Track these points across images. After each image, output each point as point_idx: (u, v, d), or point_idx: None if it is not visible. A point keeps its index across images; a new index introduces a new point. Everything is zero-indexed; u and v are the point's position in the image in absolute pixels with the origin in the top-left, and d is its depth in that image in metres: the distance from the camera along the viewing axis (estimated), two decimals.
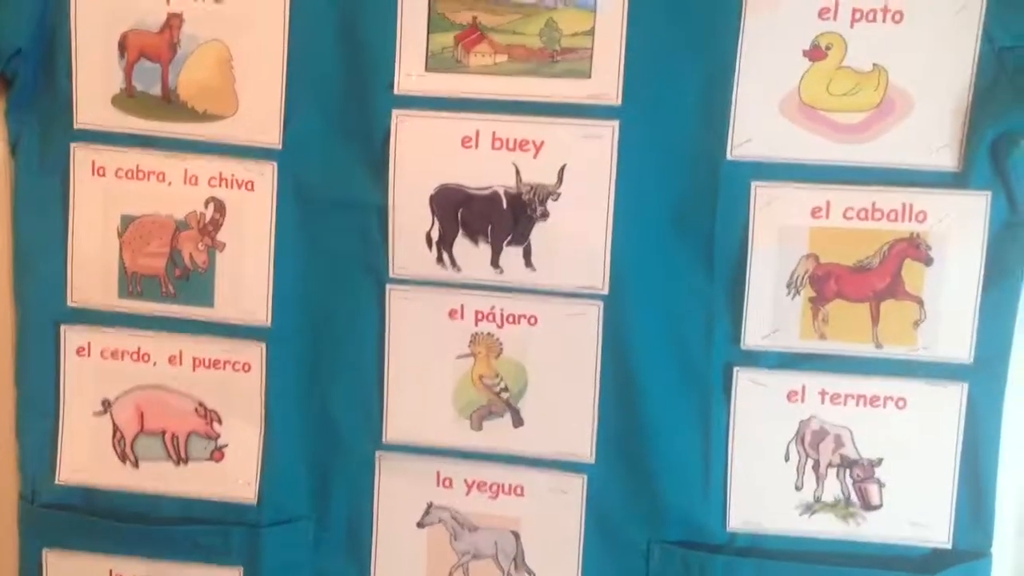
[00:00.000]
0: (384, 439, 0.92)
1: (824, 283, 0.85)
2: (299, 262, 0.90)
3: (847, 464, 0.87)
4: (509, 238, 0.87)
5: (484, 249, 0.88)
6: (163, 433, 0.94)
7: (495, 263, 0.87)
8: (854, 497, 0.87)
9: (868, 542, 0.88)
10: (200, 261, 0.91)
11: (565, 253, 0.86)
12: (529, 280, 0.87)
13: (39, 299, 0.93)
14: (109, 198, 0.91)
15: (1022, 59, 0.80)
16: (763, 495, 0.88)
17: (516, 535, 0.92)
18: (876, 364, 0.85)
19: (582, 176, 0.85)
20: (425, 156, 0.86)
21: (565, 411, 0.89)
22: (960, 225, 0.83)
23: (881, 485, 0.87)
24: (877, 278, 0.84)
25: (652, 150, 0.84)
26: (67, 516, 0.95)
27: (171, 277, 0.92)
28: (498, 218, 0.86)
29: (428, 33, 0.85)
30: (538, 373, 0.89)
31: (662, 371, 0.87)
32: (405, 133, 0.86)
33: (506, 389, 0.89)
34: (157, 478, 0.95)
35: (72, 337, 0.93)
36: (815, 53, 0.82)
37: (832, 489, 0.87)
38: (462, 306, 0.89)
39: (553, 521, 0.91)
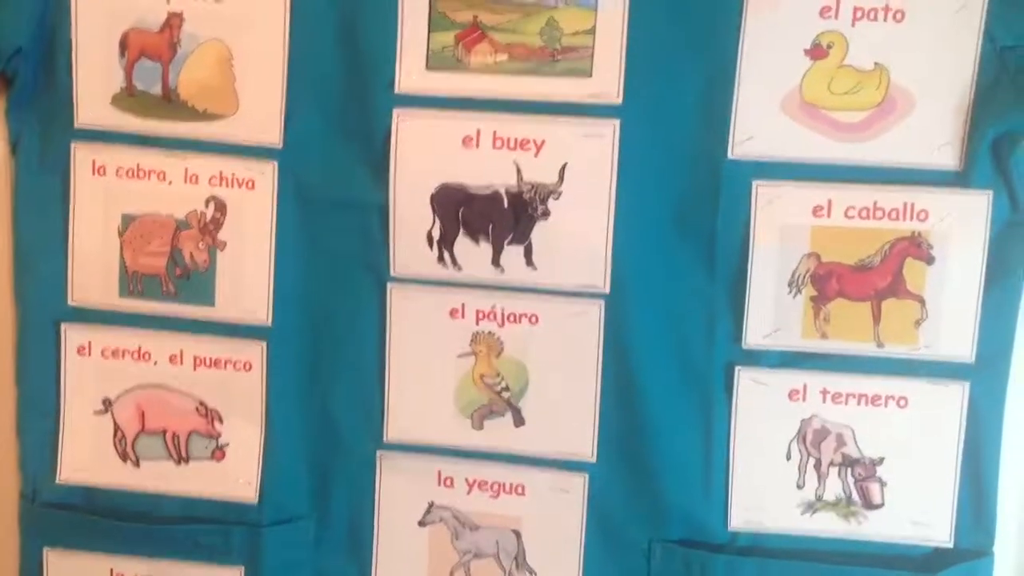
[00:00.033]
0: (385, 438, 0.92)
1: (825, 282, 0.85)
2: (300, 261, 0.90)
3: (849, 463, 0.87)
4: (510, 237, 0.87)
5: (485, 248, 0.87)
6: (164, 432, 0.94)
7: (496, 262, 0.87)
8: (856, 496, 0.87)
9: (870, 541, 0.88)
10: (201, 260, 0.91)
11: (566, 252, 0.86)
12: (530, 279, 0.87)
13: (40, 298, 0.93)
14: (110, 197, 0.91)
15: (1023, 59, 0.80)
16: (764, 494, 0.88)
17: (517, 534, 0.92)
18: (877, 363, 0.85)
19: (583, 175, 0.85)
20: (426, 155, 0.86)
21: (566, 410, 0.89)
22: (961, 224, 0.83)
23: (883, 484, 0.87)
24: (878, 277, 0.84)
25: (653, 149, 0.84)
26: (68, 515, 0.95)
27: (172, 276, 0.91)
28: (499, 217, 0.86)
29: (429, 32, 0.85)
30: (539, 372, 0.89)
31: (663, 370, 0.87)
32: (406, 132, 0.86)
33: (507, 388, 0.89)
34: (158, 477, 0.95)
35: (73, 336, 0.93)
36: (816, 52, 0.82)
37: (834, 488, 0.87)
38: (463, 305, 0.89)
39: (554, 520, 0.91)
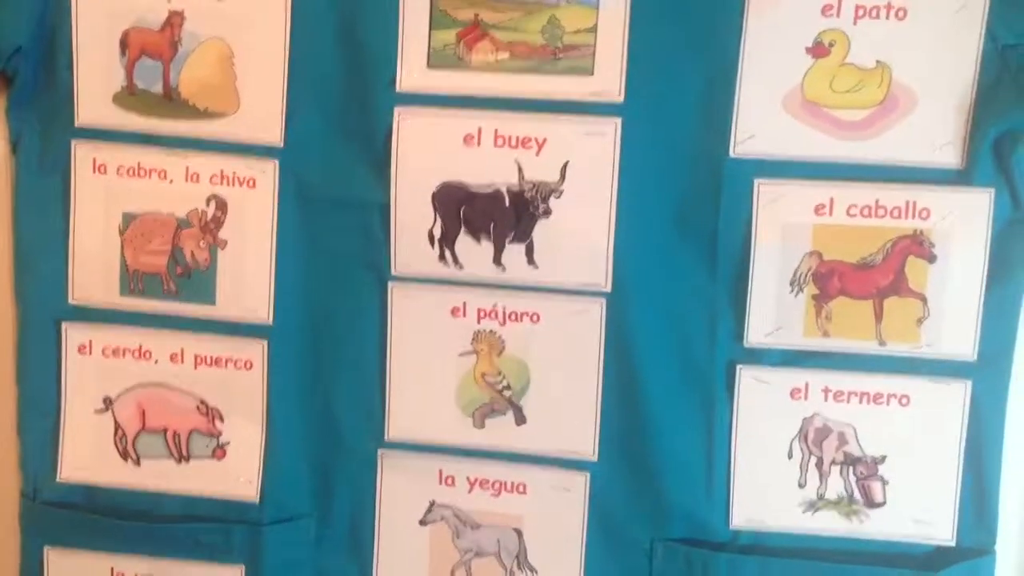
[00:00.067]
0: (386, 437, 0.91)
1: (827, 280, 0.85)
2: (301, 260, 0.90)
3: (850, 461, 0.87)
4: (511, 236, 0.87)
5: (486, 247, 0.87)
6: (165, 431, 0.94)
7: (497, 260, 0.87)
8: (857, 494, 0.87)
9: (871, 539, 0.88)
10: (201, 259, 0.91)
11: (568, 250, 0.86)
12: (532, 277, 0.87)
13: (40, 297, 0.93)
14: (110, 196, 0.91)
15: None
16: (766, 493, 0.88)
17: (519, 533, 0.92)
18: (879, 361, 0.85)
19: (585, 173, 0.85)
20: (427, 153, 0.86)
21: (568, 409, 0.89)
22: (963, 222, 0.83)
23: (884, 482, 0.87)
24: (880, 275, 0.84)
25: (655, 147, 0.84)
26: (68, 514, 0.95)
27: (172, 275, 0.91)
28: (500, 215, 0.86)
29: (430, 30, 0.85)
30: (541, 371, 0.89)
31: (665, 368, 0.87)
32: (407, 130, 0.86)
33: (508, 387, 0.89)
34: (159, 476, 0.94)
35: (73, 335, 0.93)
36: (818, 50, 0.82)
37: (835, 486, 0.87)
38: (464, 304, 0.89)
39: (556, 519, 0.91)
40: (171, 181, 0.90)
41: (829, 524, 0.88)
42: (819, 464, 0.87)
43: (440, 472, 0.92)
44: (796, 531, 0.88)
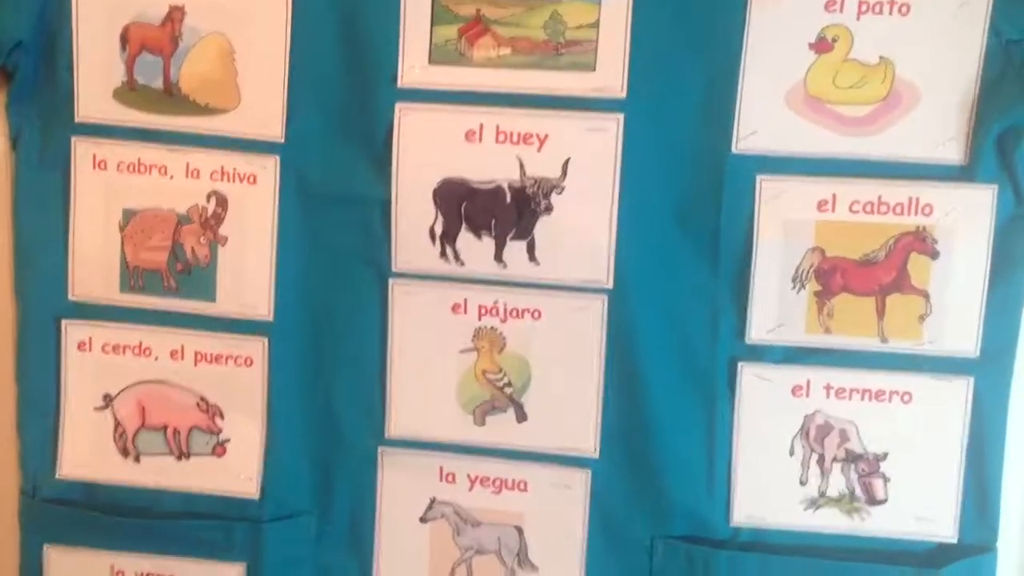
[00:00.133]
0: (387, 434, 0.91)
1: (830, 277, 0.84)
2: (301, 256, 0.90)
3: (852, 459, 0.87)
4: (513, 232, 0.87)
5: (488, 243, 0.87)
6: (165, 428, 0.94)
7: (499, 257, 0.87)
8: (859, 492, 0.87)
9: (873, 537, 0.87)
10: (202, 255, 0.91)
11: (569, 247, 0.86)
12: (533, 274, 0.87)
13: (40, 294, 0.93)
14: (110, 192, 0.90)
15: None
16: (767, 490, 0.88)
17: (519, 530, 0.92)
18: (882, 358, 0.85)
19: (586, 170, 0.84)
20: (428, 149, 0.86)
21: (569, 406, 0.89)
22: (966, 219, 0.83)
23: (886, 480, 0.86)
24: (883, 272, 0.84)
25: (657, 143, 0.84)
26: (68, 511, 0.94)
27: (173, 271, 0.91)
28: (502, 212, 0.86)
29: (431, 25, 0.85)
30: (542, 368, 0.89)
31: (666, 365, 0.87)
32: (408, 126, 0.86)
33: (509, 384, 0.89)
34: (159, 473, 0.94)
35: (73, 332, 0.93)
36: (821, 45, 0.82)
37: (837, 484, 0.87)
38: (465, 300, 0.88)
39: (556, 516, 0.91)
40: (171, 177, 0.90)
41: (830, 521, 0.88)
42: (820, 461, 0.87)
43: (441, 469, 0.92)
44: (797, 528, 0.88)
